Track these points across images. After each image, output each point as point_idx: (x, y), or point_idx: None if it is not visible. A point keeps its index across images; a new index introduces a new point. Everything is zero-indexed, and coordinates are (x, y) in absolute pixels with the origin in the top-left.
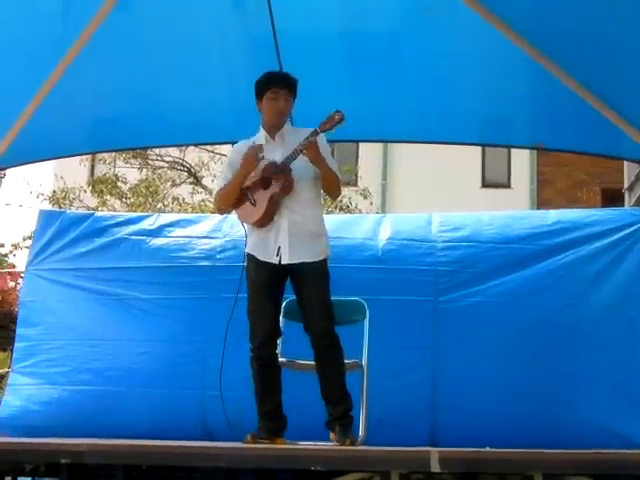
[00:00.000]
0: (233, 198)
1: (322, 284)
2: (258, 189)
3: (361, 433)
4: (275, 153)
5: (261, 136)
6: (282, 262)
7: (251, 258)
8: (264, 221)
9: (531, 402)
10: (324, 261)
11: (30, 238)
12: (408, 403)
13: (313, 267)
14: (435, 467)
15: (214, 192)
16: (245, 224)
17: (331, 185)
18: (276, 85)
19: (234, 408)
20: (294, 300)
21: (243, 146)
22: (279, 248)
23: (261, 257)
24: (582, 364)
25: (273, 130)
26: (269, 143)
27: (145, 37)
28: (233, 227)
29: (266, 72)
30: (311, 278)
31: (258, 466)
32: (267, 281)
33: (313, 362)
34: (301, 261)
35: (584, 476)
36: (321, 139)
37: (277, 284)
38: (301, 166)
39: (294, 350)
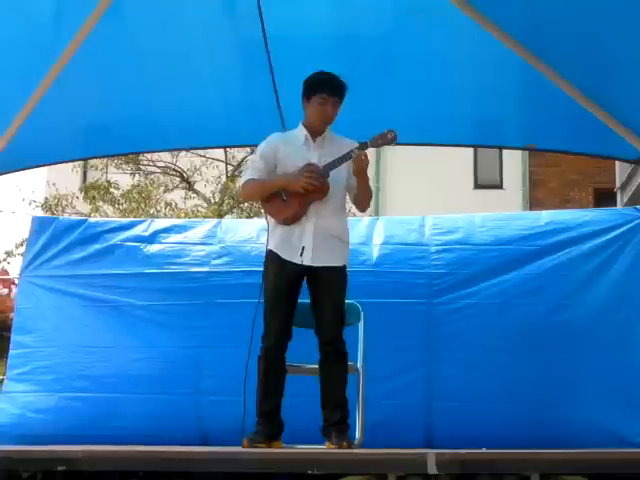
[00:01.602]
0: (263, 196)
1: (339, 290)
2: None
3: (358, 436)
4: (312, 155)
5: (300, 134)
6: (304, 262)
7: (274, 256)
8: (293, 220)
9: (526, 402)
10: (344, 268)
11: (23, 245)
12: (404, 405)
13: (333, 272)
14: (432, 469)
15: (242, 179)
16: (269, 220)
17: (364, 198)
18: (328, 91)
19: (231, 413)
20: (300, 304)
21: (277, 139)
22: (303, 248)
23: (284, 256)
24: (577, 364)
25: (315, 133)
26: (308, 143)
27: (136, 43)
28: (227, 233)
29: (319, 72)
30: (330, 283)
31: (254, 470)
32: (286, 281)
33: (312, 366)
34: (323, 265)
35: (580, 476)
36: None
37: (295, 285)
38: (337, 174)
39: (292, 354)
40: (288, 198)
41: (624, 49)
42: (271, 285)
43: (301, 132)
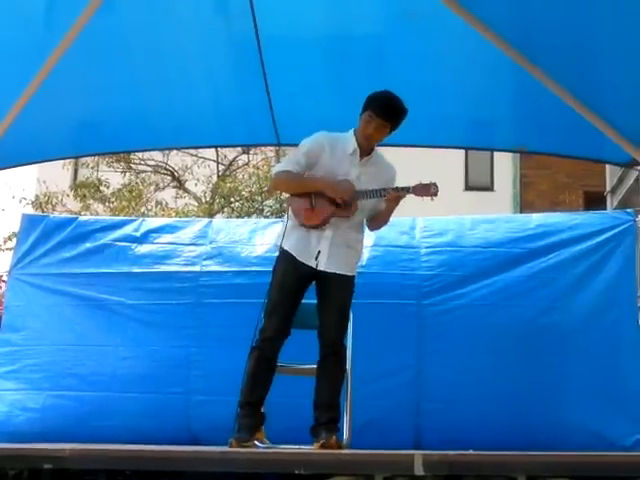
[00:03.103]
0: (295, 192)
1: (347, 298)
2: (323, 196)
3: (345, 436)
4: (354, 170)
5: (350, 144)
6: (319, 267)
7: (288, 256)
8: (315, 227)
9: (515, 404)
10: (354, 277)
11: (10, 239)
12: (392, 406)
13: (344, 279)
14: (419, 470)
15: (278, 168)
16: (289, 218)
17: (380, 224)
18: (375, 111)
19: (220, 413)
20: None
21: (326, 141)
22: (319, 252)
23: (300, 258)
24: (566, 367)
25: (363, 150)
26: (354, 157)
27: (129, 41)
28: (218, 233)
29: (383, 91)
30: (339, 289)
31: (242, 470)
32: (296, 282)
33: (304, 367)
34: (337, 272)
35: (567, 478)
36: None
37: (303, 287)
38: (368, 202)
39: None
40: (317, 205)
41: (615, 52)
42: (279, 282)
43: (351, 142)
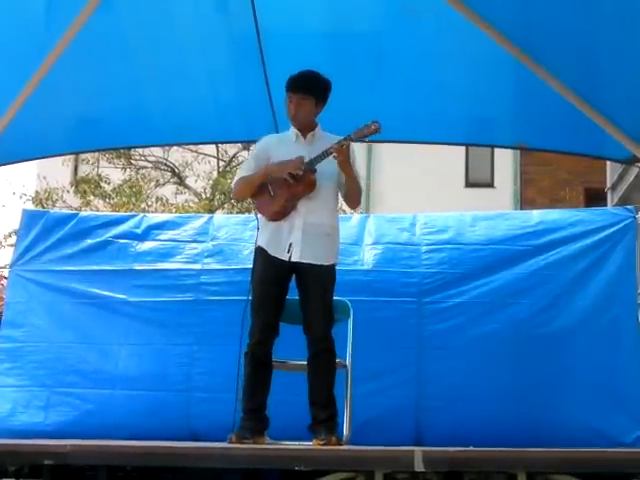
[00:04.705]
0: (253, 189)
1: (327, 288)
2: (280, 182)
3: (345, 432)
4: (302, 151)
5: (292, 132)
6: (292, 259)
7: (262, 252)
8: (279, 215)
9: (516, 401)
10: (333, 267)
11: (11, 236)
12: (393, 403)
13: (321, 270)
14: (419, 466)
15: (235, 179)
16: (259, 217)
17: (353, 193)
18: (289, 89)
19: (221, 411)
20: (291, 301)
21: (270, 139)
22: (290, 244)
23: (272, 252)
24: (566, 364)
25: (304, 130)
26: (298, 140)
27: (128, 38)
28: (219, 230)
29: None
30: (317, 281)
31: (243, 466)
32: (273, 278)
33: (302, 363)
34: (311, 262)
35: (567, 474)
36: (349, 146)
37: (282, 282)
38: (327, 169)
39: (285, 351)
40: (275, 192)
41: (616, 49)
42: (258, 281)
43: (292, 131)
